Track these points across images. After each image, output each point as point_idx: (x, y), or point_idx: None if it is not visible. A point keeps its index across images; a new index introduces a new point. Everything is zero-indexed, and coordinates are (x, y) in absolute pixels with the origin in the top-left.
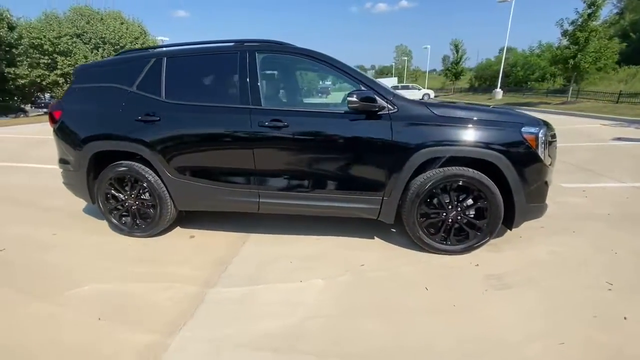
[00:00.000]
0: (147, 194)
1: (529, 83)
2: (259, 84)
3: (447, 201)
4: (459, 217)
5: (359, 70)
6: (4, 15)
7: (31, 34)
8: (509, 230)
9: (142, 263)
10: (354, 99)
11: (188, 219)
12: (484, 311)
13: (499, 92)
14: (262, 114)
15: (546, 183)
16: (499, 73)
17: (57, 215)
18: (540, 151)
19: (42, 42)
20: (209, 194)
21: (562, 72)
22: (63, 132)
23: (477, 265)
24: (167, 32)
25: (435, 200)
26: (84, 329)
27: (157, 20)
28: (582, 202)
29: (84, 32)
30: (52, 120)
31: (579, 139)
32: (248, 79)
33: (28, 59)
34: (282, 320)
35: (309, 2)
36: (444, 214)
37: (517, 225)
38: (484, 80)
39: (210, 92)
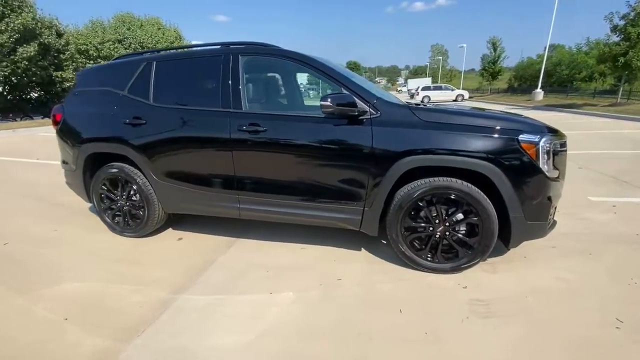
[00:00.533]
0: (137, 196)
1: (574, 83)
2: (240, 86)
3: (434, 215)
4: (447, 233)
5: (345, 72)
6: (53, 23)
7: (78, 40)
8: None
9: (125, 264)
10: (328, 103)
11: (181, 221)
12: (456, 343)
13: (539, 93)
14: (242, 117)
15: (549, 199)
16: (540, 72)
17: (62, 211)
18: (541, 162)
19: (88, 47)
20: (193, 198)
21: (611, 71)
22: (63, 134)
23: (465, 287)
24: (206, 36)
25: (422, 213)
26: (46, 328)
27: (198, 25)
28: (610, 219)
29: (124, 38)
30: (54, 122)
31: (621, 146)
32: (230, 82)
33: (73, 64)
34: (236, 336)
35: (345, 4)
36: (431, 228)
37: (515, 245)
38: (524, 80)
39: (195, 96)
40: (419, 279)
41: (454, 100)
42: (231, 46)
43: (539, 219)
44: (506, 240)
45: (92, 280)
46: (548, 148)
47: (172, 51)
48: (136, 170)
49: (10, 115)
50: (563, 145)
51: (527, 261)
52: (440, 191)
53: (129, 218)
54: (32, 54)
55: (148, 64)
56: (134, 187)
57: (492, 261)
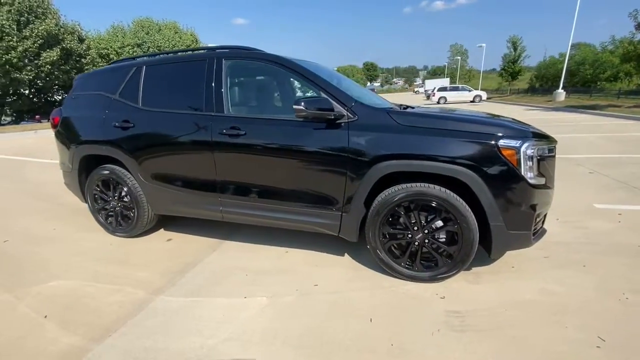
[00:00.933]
0: (127, 197)
1: (598, 83)
2: (222, 90)
3: (412, 222)
4: (426, 241)
5: (328, 75)
6: (75, 29)
7: (100, 44)
8: (502, 257)
9: (111, 263)
10: (301, 107)
11: (172, 222)
12: (420, 357)
13: (560, 94)
14: (223, 121)
15: (533, 207)
16: (562, 72)
17: (65, 210)
18: (523, 169)
19: (109, 52)
20: (178, 200)
21: (636, 70)
22: (60, 136)
23: (443, 297)
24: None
25: (400, 220)
26: (24, 324)
27: (217, 28)
28: (613, 228)
29: (143, 42)
30: (53, 125)
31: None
32: (213, 86)
33: (94, 67)
34: (202, 339)
35: (362, 5)
36: (409, 235)
37: (497, 255)
38: (545, 81)
39: (180, 99)
40: (397, 287)
41: (471, 102)
42: (217, 50)
43: (522, 229)
44: (489, 249)
45: (78, 279)
46: (531, 154)
47: (161, 56)
48: (126, 172)
49: (37, 116)
50: (551, 150)
51: (514, 272)
52: (418, 197)
53: (120, 218)
54: (54, 58)
55: (138, 68)
56: (125, 188)
57: (477, 271)
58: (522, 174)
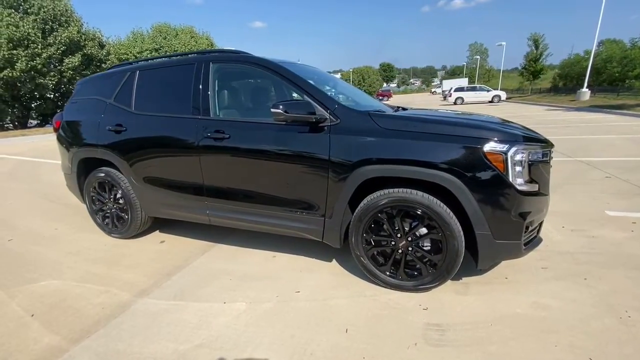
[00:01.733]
0: (122, 199)
1: (627, 81)
2: (209, 93)
3: (396, 228)
4: (409, 249)
5: (316, 78)
6: (96, 35)
7: (120, 50)
8: (496, 267)
9: (102, 264)
10: (279, 110)
11: (168, 224)
12: None
13: (585, 93)
14: (208, 125)
15: (522, 215)
16: (587, 70)
17: (69, 211)
18: (510, 175)
19: (128, 57)
20: (168, 203)
21: None
22: (61, 140)
23: (426, 309)
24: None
25: (384, 226)
26: (11, 322)
27: (236, 32)
28: (624, 238)
29: (160, 47)
30: (55, 129)
31: None
32: (200, 90)
33: None
34: (175, 345)
35: (379, 5)
36: (392, 242)
37: (484, 265)
38: (569, 79)
39: (170, 103)
40: (379, 297)
41: (489, 102)
42: (206, 54)
43: (511, 238)
44: (477, 259)
45: (69, 279)
46: (520, 158)
47: (153, 60)
48: (120, 175)
49: None
50: (545, 155)
51: (507, 283)
52: (400, 203)
53: (115, 220)
54: (76, 64)
55: (132, 73)
56: (119, 191)
57: (467, 281)
58: (510, 180)
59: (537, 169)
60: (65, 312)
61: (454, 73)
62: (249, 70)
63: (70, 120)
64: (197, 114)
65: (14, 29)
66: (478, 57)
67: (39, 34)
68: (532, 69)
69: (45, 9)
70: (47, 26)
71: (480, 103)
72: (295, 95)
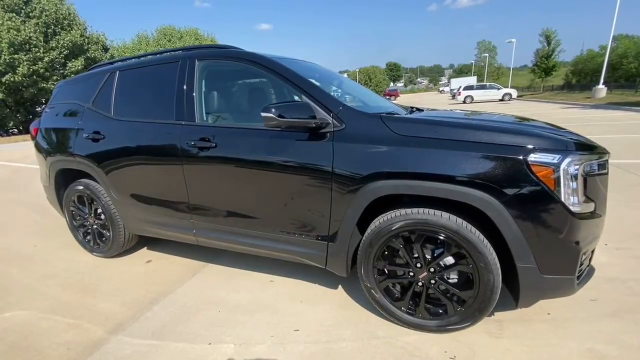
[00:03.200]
0: (103, 215)
1: None
2: (194, 95)
3: (415, 256)
4: (432, 281)
5: (318, 76)
6: (100, 39)
7: (124, 53)
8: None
9: (78, 290)
10: (270, 114)
11: (156, 240)
12: None
13: (601, 89)
14: (192, 131)
15: (577, 243)
16: (603, 66)
17: (54, 224)
18: (563, 193)
19: None
20: (150, 220)
21: None
22: (38, 149)
23: (454, 358)
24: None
25: (401, 253)
26: None
27: (243, 34)
28: None
29: (164, 50)
30: (32, 137)
31: None
32: (185, 91)
33: None
34: None
35: (386, 5)
36: (411, 274)
37: (526, 304)
38: (583, 76)
39: (152, 107)
40: (395, 339)
41: (500, 100)
42: (191, 50)
43: (562, 272)
44: (516, 296)
45: (36, 309)
46: (575, 172)
47: (134, 59)
48: (100, 188)
49: None
50: (602, 166)
51: (550, 321)
52: (419, 227)
53: (97, 237)
54: (79, 67)
55: (112, 74)
56: (100, 206)
57: (500, 317)
58: (562, 199)
59: (594, 185)
60: (23, 355)
61: (461, 71)
62: (240, 67)
63: (48, 128)
64: (180, 118)
65: (15, 33)
66: (487, 55)
67: (41, 38)
68: (544, 65)
69: (48, 13)
70: (50, 30)
71: (490, 101)
72: (295, 97)
